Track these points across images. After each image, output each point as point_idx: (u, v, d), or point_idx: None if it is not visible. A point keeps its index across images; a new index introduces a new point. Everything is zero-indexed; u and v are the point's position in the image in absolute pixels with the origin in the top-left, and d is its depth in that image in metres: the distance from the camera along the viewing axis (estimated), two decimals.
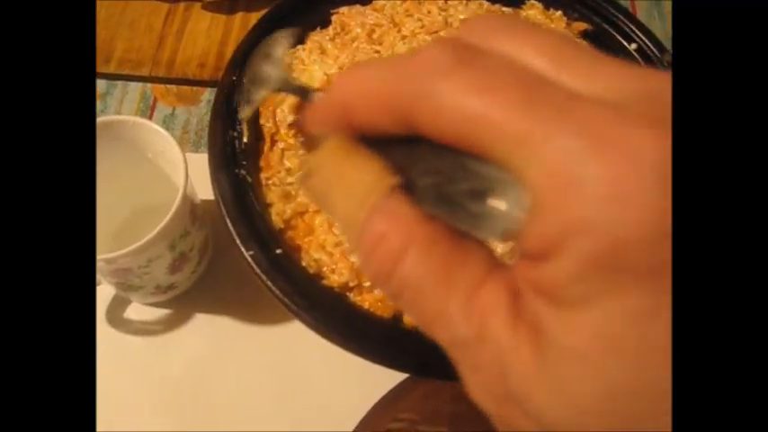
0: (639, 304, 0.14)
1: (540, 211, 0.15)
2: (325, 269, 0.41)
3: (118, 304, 0.55)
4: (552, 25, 0.52)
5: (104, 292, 0.54)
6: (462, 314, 0.17)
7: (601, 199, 0.14)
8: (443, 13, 0.51)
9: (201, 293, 0.56)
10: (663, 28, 0.73)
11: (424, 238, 0.17)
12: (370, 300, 0.41)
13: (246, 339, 0.55)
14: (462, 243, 0.17)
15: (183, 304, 0.56)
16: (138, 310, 0.56)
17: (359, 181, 0.18)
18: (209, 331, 0.55)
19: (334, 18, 0.51)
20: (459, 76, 0.16)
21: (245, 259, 0.41)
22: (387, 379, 0.51)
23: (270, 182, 0.44)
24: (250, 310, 0.56)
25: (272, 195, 0.44)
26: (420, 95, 0.16)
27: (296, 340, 0.54)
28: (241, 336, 0.55)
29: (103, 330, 0.55)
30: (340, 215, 0.19)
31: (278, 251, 0.41)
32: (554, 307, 0.15)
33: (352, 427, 0.50)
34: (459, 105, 0.16)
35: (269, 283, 0.40)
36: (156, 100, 0.65)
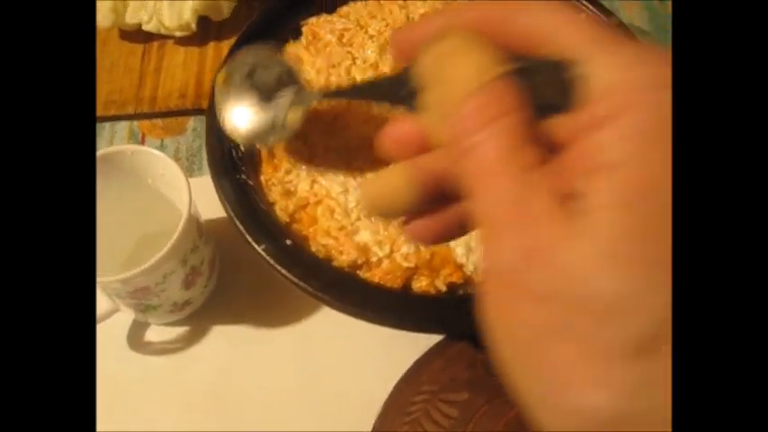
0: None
1: (602, 94, 0.20)
2: (333, 252, 0.45)
3: (138, 328, 0.58)
4: None
5: (123, 319, 0.57)
6: (509, 182, 0.20)
7: (645, 88, 0.20)
8: (404, 11, 0.55)
9: (215, 308, 0.59)
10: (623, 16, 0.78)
11: (515, 121, 0.21)
12: (379, 274, 0.44)
13: (265, 344, 0.57)
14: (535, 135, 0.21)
15: (199, 320, 0.58)
16: (157, 332, 0.58)
17: (477, 61, 0.22)
18: (228, 342, 0.58)
19: (304, 29, 0.55)
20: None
21: (257, 255, 0.44)
22: (405, 358, 0.54)
23: (270, 182, 0.48)
24: (264, 316, 0.58)
25: (274, 194, 0.47)
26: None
27: (312, 336, 0.57)
28: (259, 341, 0.57)
29: (127, 355, 0.57)
30: (451, 86, 0.22)
31: (287, 242, 0.44)
32: (595, 173, 0.19)
33: (377, 410, 0.53)
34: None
35: (284, 271, 0.43)
36: (144, 135, 0.68)
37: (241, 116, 0.44)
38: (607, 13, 0.56)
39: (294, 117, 0.43)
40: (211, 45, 0.72)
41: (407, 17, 0.54)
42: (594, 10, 0.56)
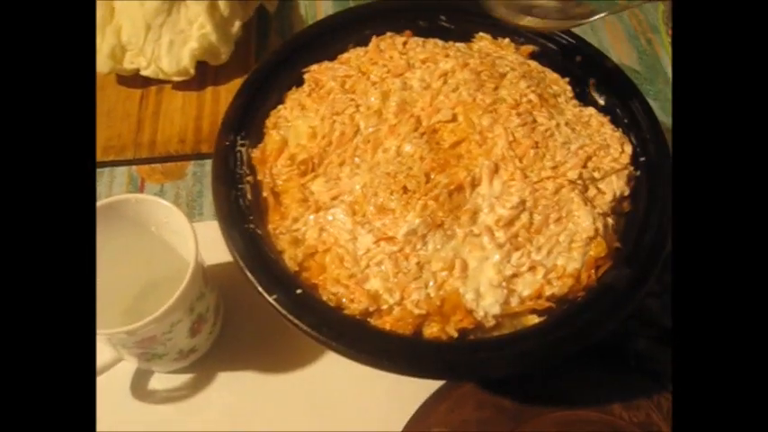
0: None
1: None
2: (344, 300, 0.45)
3: (141, 377, 0.57)
4: (503, 52, 0.58)
5: (126, 368, 0.56)
6: None
7: None
8: (404, 57, 0.56)
9: (220, 354, 0.59)
10: (596, 39, 0.80)
11: None
12: (390, 321, 0.44)
13: (270, 390, 0.57)
14: None
15: (205, 367, 0.58)
16: (161, 380, 0.58)
17: None
18: (234, 388, 0.57)
19: (306, 76, 0.56)
20: None
21: (268, 305, 0.44)
22: (412, 400, 0.54)
23: (278, 231, 0.48)
24: (269, 361, 0.58)
25: (282, 243, 0.47)
26: None
27: (318, 382, 0.57)
28: (264, 387, 0.57)
29: (131, 405, 0.56)
30: None
31: (298, 291, 0.44)
32: None
33: None
34: None
35: (296, 321, 0.43)
36: (143, 180, 0.68)
37: None
38: (601, 55, 0.57)
39: None
40: (209, 90, 0.72)
41: (408, 63, 0.55)
42: (589, 52, 0.58)
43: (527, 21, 0.48)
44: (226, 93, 0.71)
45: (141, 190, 0.67)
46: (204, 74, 0.73)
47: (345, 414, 0.56)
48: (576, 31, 0.77)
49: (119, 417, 0.55)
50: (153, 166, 0.69)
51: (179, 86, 0.72)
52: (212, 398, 0.57)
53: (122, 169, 0.69)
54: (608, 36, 0.81)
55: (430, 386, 0.55)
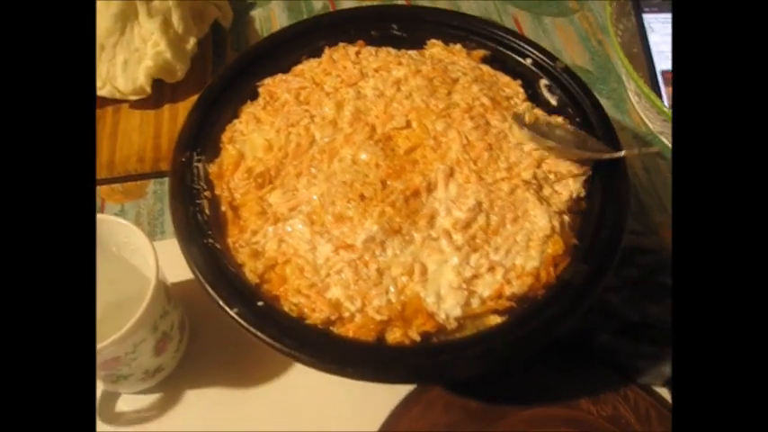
0: None
1: None
2: (305, 310, 0.45)
3: (108, 399, 0.56)
4: (455, 57, 0.58)
5: None
6: None
7: None
8: (357, 66, 0.57)
9: (188, 371, 0.58)
10: (549, 41, 0.82)
11: None
12: (353, 328, 0.44)
13: (240, 405, 0.57)
14: None
15: (172, 385, 0.57)
16: (128, 401, 0.57)
17: None
18: (203, 406, 0.57)
19: (261, 89, 0.56)
20: None
21: (230, 318, 0.44)
22: (382, 407, 0.54)
23: (237, 245, 0.48)
24: (237, 376, 0.58)
25: (242, 256, 0.47)
26: None
27: (288, 393, 0.57)
28: (234, 402, 0.57)
29: (99, 429, 0.55)
30: None
31: (259, 304, 0.44)
32: None
33: None
34: None
35: (258, 333, 0.43)
36: (104, 201, 0.67)
37: None
38: (551, 57, 0.58)
39: None
40: (167, 107, 0.72)
41: (361, 72, 0.56)
42: (539, 54, 0.59)
43: (551, 144, 0.51)
44: (184, 110, 0.71)
45: (102, 211, 0.67)
46: (161, 92, 0.72)
47: (316, 424, 0.55)
48: (527, 33, 0.79)
49: None
50: (113, 186, 0.68)
51: (136, 105, 0.72)
52: (182, 416, 0.56)
53: None
54: (560, 38, 0.82)
55: (400, 392, 0.55)
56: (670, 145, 0.73)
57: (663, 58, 0.75)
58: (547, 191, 0.50)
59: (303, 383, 0.57)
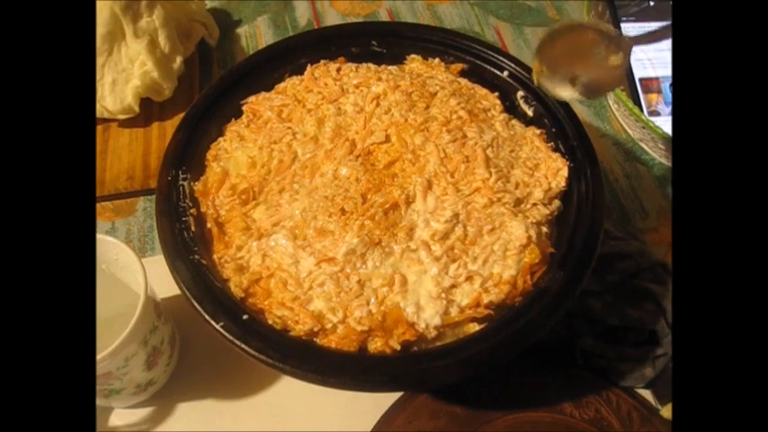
0: None
1: None
2: (289, 322, 0.46)
3: (100, 414, 0.58)
4: (433, 72, 0.60)
5: None
6: None
7: None
8: (338, 82, 0.58)
9: (179, 385, 0.59)
10: (529, 52, 0.83)
11: None
12: (335, 339, 0.45)
13: (231, 417, 0.58)
14: None
15: (164, 399, 0.59)
16: (121, 416, 0.58)
17: None
18: (195, 419, 0.58)
19: (244, 108, 0.58)
20: None
21: (216, 332, 0.45)
22: (369, 416, 0.56)
23: (222, 260, 0.49)
24: (228, 389, 0.59)
25: (227, 271, 0.48)
26: None
27: (277, 405, 0.58)
28: (225, 414, 0.58)
29: None
30: None
31: (244, 317, 0.45)
32: None
33: None
34: None
35: (243, 345, 0.44)
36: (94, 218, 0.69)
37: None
38: (527, 69, 0.60)
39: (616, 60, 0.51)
40: (155, 125, 0.74)
41: (342, 89, 0.57)
42: (515, 67, 0.60)
43: (569, 93, 0.54)
44: (172, 128, 0.72)
45: None
46: (149, 110, 0.74)
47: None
48: (508, 44, 0.80)
49: None
50: (103, 204, 0.70)
51: (125, 124, 0.73)
52: (175, 429, 0.58)
53: None
54: None
55: (387, 400, 0.56)
56: (651, 152, 0.74)
57: (640, 67, 0.77)
58: (525, 205, 0.52)
59: (292, 394, 0.58)
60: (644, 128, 0.71)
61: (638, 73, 0.76)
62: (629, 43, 0.52)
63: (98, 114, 0.72)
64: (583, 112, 0.77)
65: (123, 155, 0.71)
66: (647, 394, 0.58)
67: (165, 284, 0.56)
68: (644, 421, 0.56)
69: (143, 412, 0.58)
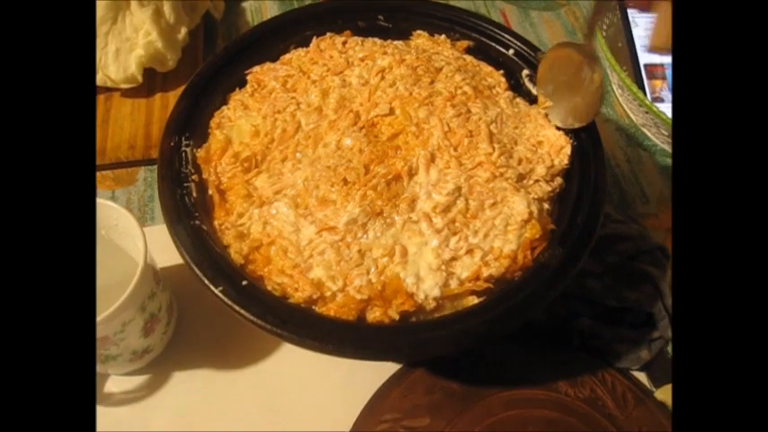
0: None
1: None
2: (288, 289, 0.46)
3: (97, 380, 0.58)
4: (439, 48, 0.60)
5: None
6: None
7: None
8: (344, 55, 0.58)
9: (175, 354, 0.59)
10: (535, 35, 0.83)
11: None
12: (334, 308, 0.45)
13: (227, 385, 0.58)
14: None
15: (160, 367, 0.59)
16: (117, 382, 0.58)
17: None
18: (191, 386, 0.58)
19: (249, 77, 0.57)
20: None
21: (215, 297, 0.45)
22: (365, 389, 0.56)
23: (223, 227, 0.49)
24: (224, 358, 0.59)
25: (228, 238, 0.48)
26: None
27: (274, 374, 0.58)
28: (221, 383, 0.58)
29: None
30: None
31: (244, 283, 0.45)
32: None
33: None
34: None
35: (242, 311, 0.44)
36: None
37: None
38: (533, 48, 0.60)
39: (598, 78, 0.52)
40: (158, 96, 0.73)
41: (347, 61, 0.57)
42: (521, 45, 0.60)
43: (571, 121, 0.54)
44: (174, 99, 0.71)
45: None
46: (152, 80, 0.74)
47: (301, 405, 0.57)
48: (514, 27, 0.80)
49: None
50: (104, 173, 0.70)
51: (127, 94, 0.73)
52: (169, 397, 0.58)
53: None
54: (547, 32, 0.84)
55: (383, 374, 0.56)
56: (653, 138, 0.74)
57: (646, 52, 0.76)
58: (528, 181, 0.52)
59: (288, 365, 0.58)
60: (647, 113, 0.70)
61: (643, 59, 0.76)
62: (597, 56, 0.54)
63: (101, 83, 0.71)
64: None
65: (125, 124, 0.71)
66: (641, 377, 0.58)
67: (164, 254, 0.56)
68: (638, 402, 0.56)
69: (139, 380, 0.58)
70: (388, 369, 0.57)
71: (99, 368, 0.57)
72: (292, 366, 0.58)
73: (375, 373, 0.56)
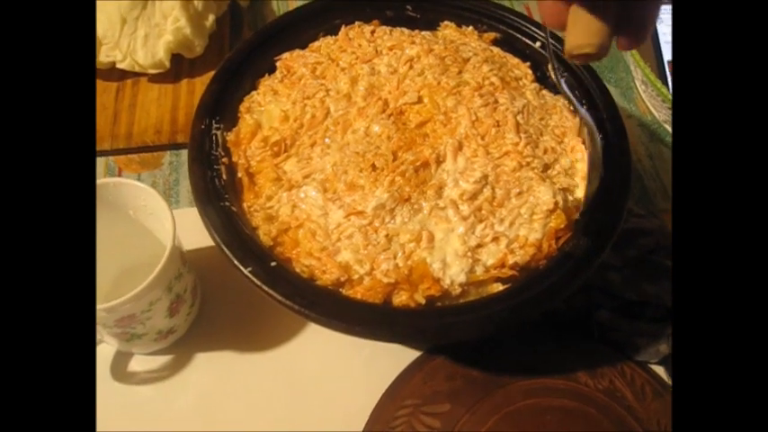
0: None
1: None
2: (316, 272, 0.47)
3: (120, 359, 0.59)
4: (466, 39, 0.60)
5: (105, 351, 0.58)
6: None
7: None
8: (372, 44, 0.59)
9: (198, 335, 0.60)
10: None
11: None
12: (361, 291, 0.46)
13: (248, 367, 0.59)
14: None
15: (183, 348, 0.59)
16: (140, 362, 0.59)
17: None
18: (212, 368, 0.59)
19: (278, 64, 0.58)
20: None
21: (244, 277, 0.46)
22: (387, 374, 0.56)
23: (252, 209, 0.50)
24: (246, 340, 0.60)
25: (257, 220, 0.49)
26: None
27: (295, 357, 0.59)
28: (242, 365, 0.59)
29: (110, 387, 0.57)
30: None
31: (272, 264, 0.46)
32: None
33: (362, 424, 0.55)
34: None
35: (271, 291, 0.45)
36: (120, 170, 0.69)
37: None
38: (560, 40, 0.60)
39: None
40: (185, 81, 0.74)
41: (376, 50, 0.58)
42: (549, 38, 0.60)
43: None
44: (201, 85, 0.73)
45: None
46: (179, 66, 0.74)
47: (323, 389, 0.57)
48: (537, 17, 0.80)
49: (98, 398, 0.56)
50: (130, 156, 0.70)
51: (155, 79, 0.74)
52: (192, 378, 0.59)
53: (100, 160, 0.70)
54: None
55: (404, 360, 0.57)
56: None
57: (669, 49, 0.76)
58: (553, 171, 0.52)
59: (310, 350, 0.59)
60: (671, 109, 0.71)
61: (668, 55, 0.76)
62: None
63: (129, 68, 0.72)
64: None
65: (152, 109, 0.72)
66: (660, 370, 0.59)
67: (190, 237, 0.57)
68: (656, 395, 0.56)
69: (162, 359, 0.59)
70: (409, 355, 0.57)
71: (123, 347, 0.58)
72: (314, 350, 0.59)
73: (396, 359, 0.57)
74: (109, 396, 0.57)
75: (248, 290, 0.46)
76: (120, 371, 0.59)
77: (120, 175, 0.69)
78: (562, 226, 0.49)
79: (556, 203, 0.49)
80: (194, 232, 0.51)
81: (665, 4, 0.80)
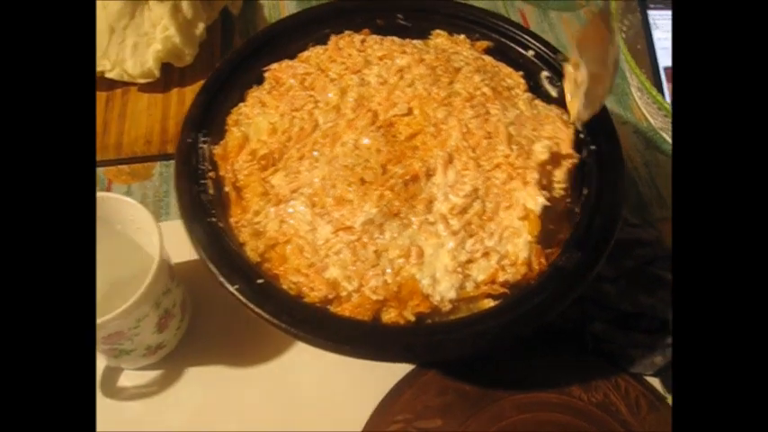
0: None
1: None
2: (304, 289, 0.46)
3: (110, 374, 0.58)
4: (458, 48, 0.59)
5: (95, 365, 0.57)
6: None
7: None
8: (362, 54, 0.58)
9: (188, 350, 0.59)
10: (554, 36, 0.82)
11: None
12: (349, 308, 0.45)
13: (239, 383, 0.58)
14: None
15: (173, 363, 0.59)
16: (130, 377, 0.58)
17: None
18: (203, 383, 0.58)
19: (267, 75, 0.57)
20: None
21: (230, 295, 0.45)
22: (378, 389, 0.56)
23: (239, 224, 0.49)
24: (237, 355, 0.59)
25: (244, 235, 0.48)
26: None
27: (286, 373, 0.58)
28: (233, 381, 0.58)
29: (100, 402, 0.57)
30: None
31: (259, 281, 0.45)
32: None
33: None
34: None
35: (257, 309, 0.44)
36: (110, 181, 0.69)
37: None
38: (553, 49, 0.59)
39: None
40: (175, 91, 0.73)
41: (365, 60, 0.57)
42: (541, 47, 0.59)
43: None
44: (191, 94, 0.72)
45: (108, 191, 0.68)
46: (169, 75, 0.74)
47: (313, 404, 0.57)
48: (533, 27, 0.80)
49: None
50: (120, 167, 0.70)
51: (144, 88, 0.73)
52: (182, 393, 0.58)
53: None
54: (566, 33, 0.83)
55: (395, 375, 0.56)
56: (671, 141, 0.74)
57: (666, 55, 0.76)
58: (544, 181, 0.51)
59: (300, 365, 0.58)
60: (666, 116, 0.70)
61: (663, 62, 0.75)
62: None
63: (118, 77, 0.71)
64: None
65: (142, 119, 0.71)
66: (655, 382, 0.58)
67: (179, 250, 0.56)
68: (651, 408, 0.56)
69: (152, 375, 0.58)
70: (400, 370, 0.56)
71: (112, 362, 0.57)
72: (305, 365, 0.58)
73: (388, 374, 0.56)
74: (98, 412, 0.56)
75: (239, 304, 0.45)
76: (109, 386, 0.58)
77: (110, 187, 0.69)
78: (536, 232, 0.48)
79: (527, 210, 0.48)
80: (185, 244, 0.50)
81: (665, 9, 0.79)
